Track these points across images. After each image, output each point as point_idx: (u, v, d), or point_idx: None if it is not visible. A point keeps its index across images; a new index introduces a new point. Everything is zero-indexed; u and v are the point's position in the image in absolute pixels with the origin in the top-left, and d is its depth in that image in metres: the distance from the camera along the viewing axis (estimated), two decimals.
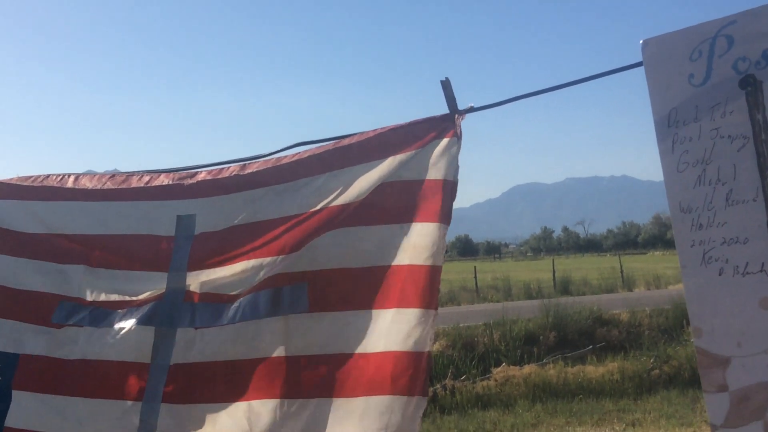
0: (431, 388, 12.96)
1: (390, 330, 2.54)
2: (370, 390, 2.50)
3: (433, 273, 2.57)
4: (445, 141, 2.69)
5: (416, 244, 2.61)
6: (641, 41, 2.42)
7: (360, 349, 2.58)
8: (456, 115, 2.72)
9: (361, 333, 2.59)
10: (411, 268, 2.60)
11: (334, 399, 2.56)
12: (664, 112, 2.34)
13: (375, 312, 2.60)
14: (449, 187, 2.65)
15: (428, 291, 2.55)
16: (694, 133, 2.27)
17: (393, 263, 2.64)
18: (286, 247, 2.80)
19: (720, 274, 2.18)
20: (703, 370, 2.18)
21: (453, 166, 2.66)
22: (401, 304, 2.56)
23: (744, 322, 2.13)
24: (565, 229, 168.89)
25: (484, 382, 13.36)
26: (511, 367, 14.07)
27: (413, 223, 2.65)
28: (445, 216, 2.62)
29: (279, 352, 2.69)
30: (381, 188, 2.72)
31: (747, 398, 2.10)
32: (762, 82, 2.19)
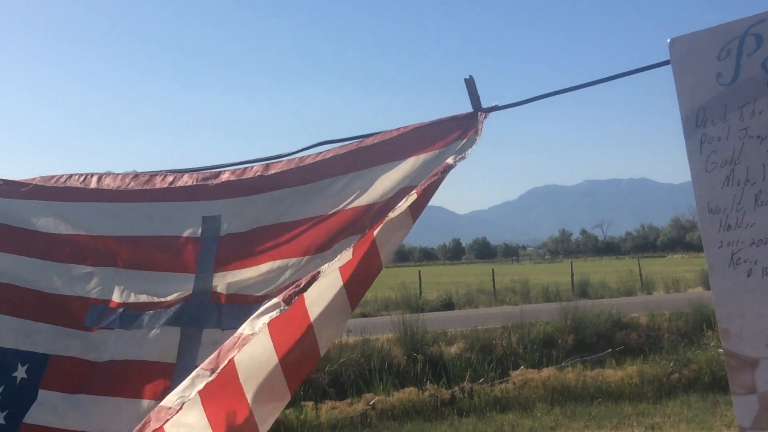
0: (449, 390, 12.91)
1: None
2: None
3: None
4: (466, 140, 2.67)
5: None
6: (669, 40, 2.39)
7: None
8: (480, 114, 2.70)
9: None
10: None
11: None
12: (691, 112, 2.31)
13: None
14: (446, 168, 2.51)
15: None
16: (723, 132, 2.25)
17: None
18: (312, 247, 2.81)
19: (749, 276, 2.15)
20: (731, 372, 2.15)
21: (462, 154, 2.56)
22: None
23: None
24: (584, 232, 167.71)
25: (503, 385, 13.27)
26: (530, 370, 13.99)
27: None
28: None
29: None
30: (406, 192, 2.67)
31: None
32: None
